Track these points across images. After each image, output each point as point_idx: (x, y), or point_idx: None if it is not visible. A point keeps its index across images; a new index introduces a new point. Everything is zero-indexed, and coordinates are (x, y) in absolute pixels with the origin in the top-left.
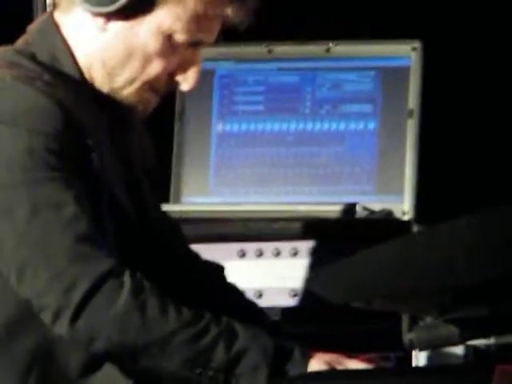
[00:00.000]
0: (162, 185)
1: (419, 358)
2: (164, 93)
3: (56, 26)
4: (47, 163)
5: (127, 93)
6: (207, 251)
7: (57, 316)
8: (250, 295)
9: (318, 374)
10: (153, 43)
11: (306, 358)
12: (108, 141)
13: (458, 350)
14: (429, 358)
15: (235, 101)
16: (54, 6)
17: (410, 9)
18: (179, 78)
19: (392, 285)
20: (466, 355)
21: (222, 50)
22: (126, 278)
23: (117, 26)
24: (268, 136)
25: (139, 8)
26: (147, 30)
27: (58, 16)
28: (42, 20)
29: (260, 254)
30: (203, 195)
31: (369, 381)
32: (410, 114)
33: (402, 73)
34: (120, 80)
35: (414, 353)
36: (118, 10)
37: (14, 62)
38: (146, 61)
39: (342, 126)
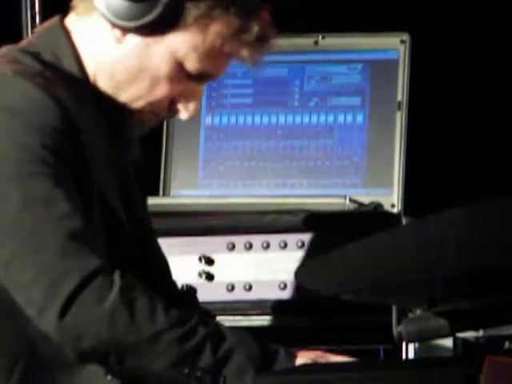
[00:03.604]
0: (151, 178)
1: (408, 351)
2: (165, 118)
3: (64, 28)
4: (42, 158)
5: (129, 109)
6: (196, 244)
7: (43, 310)
8: (240, 288)
9: (308, 367)
10: (165, 66)
11: (292, 358)
12: (104, 144)
13: (448, 342)
14: (418, 351)
15: (224, 93)
16: (71, 8)
17: (398, 1)
18: (180, 106)
19: (381, 277)
20: (455, 347)
21: None
22: (116, 277)
23: (134, 41)
24: (257, 129)
25: (160, 28)
26: (162, 51)
27: (71, 18)
28: (49, 21)
29: (249, 246)
30: (192, 188)
31: (358, 373)
32: (399, 106)
33: (390, 65)
34: (125, 95)
35: (403, 345)
36: (140, 26)
37: (16, 58)
38: (155, 82)
39: (331, 119)
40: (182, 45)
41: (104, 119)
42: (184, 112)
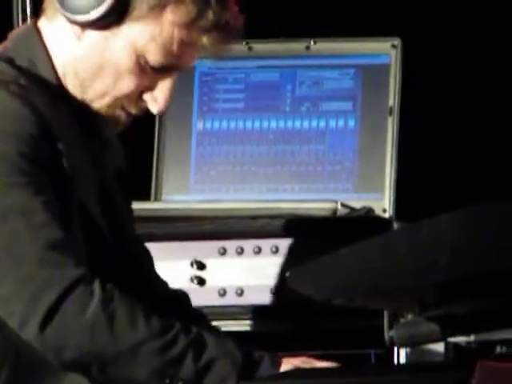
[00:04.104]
0: (143, 183)
1: (400, 355)
2: (136, 114)
3: (38, 32)
4: (19, 167)
5: (98, 106)
6: (188, 249)
7: (24, 323)
8: (231, 293)
9: (298, 372)
10: (126, 60)
11: (276, 366)
12: (82, 149)
13: (439, 347)
14: (410, 355)
15: (215, 98)
16: (41, 12)
17: (390, 6)
18: (149, 99)
19: (374, 282)
20: (446, 352)
21: None
22: (96, 287)
23: (93, 36)
24: (248, 134)
25: (114, 19)
26: (122, 44)
27: (43, 22)
28: (24, 26)
29: (241, 251)
30: (184, 193)
31: (349, 379)
32: (390, 111)
33: (381, 70)
34: (91, 92)
35: (394, 350)
36: (94, 19)
37: None
38: (118, 77)
39: (323, 124)
40: (139, 36)
41: (76, 122)
42: (153, 106)
